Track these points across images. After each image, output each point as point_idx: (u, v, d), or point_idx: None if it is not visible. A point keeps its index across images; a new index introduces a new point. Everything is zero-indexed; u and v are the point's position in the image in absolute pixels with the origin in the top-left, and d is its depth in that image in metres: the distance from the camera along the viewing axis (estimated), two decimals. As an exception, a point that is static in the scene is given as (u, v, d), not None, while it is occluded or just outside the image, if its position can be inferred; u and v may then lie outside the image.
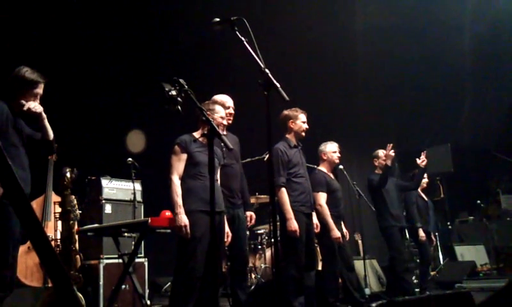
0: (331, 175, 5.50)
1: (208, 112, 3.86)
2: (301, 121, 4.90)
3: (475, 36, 8.50)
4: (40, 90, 3.55)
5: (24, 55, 5.56)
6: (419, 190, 7.00)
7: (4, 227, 3.29)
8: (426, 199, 7.21)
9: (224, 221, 3.97)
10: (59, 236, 4.81)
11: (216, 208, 3.76)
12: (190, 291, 3.63)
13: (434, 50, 8.62)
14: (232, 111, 4.45)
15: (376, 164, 6.41)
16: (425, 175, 7.03)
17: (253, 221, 4.60)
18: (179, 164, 3.83)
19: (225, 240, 3.97)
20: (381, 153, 6.39)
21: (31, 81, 3.50)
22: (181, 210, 3.66)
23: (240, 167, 4.52)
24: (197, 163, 3.82)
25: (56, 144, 5.57)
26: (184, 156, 3.84)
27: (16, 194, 1.12)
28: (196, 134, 3.95)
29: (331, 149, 5.49)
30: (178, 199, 3.70)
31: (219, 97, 4.45)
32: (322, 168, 5.48)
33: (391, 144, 6.08)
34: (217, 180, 3.88)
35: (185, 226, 3.62)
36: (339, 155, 5.52)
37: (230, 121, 4.44)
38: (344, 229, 5.47)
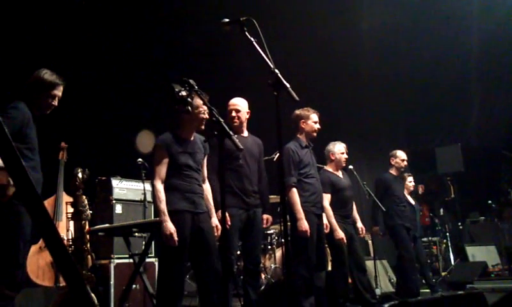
0: (339, 174, 5.46)
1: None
2: (312, 121, 4.89)
3: (484, 34, 8.43)
4: (58, 92, 3.59)
5: (36, 57, 5.61)
6: (407, 194, 6.91)
7: (15, 227, 3.32)
8: (413, 203, 7.12)
9: (207, 222, 3.82)
10: (70, 236, 4.85)
11: (199, 209, 3.71)
12: (176, 293, 3.58)
13: (443, 49, 8.57)
14: (234, 114, 4.37)
15: (392, 163, 6.39)
16: (412, 179, 7.02)
17: (268, 224, 4.57)
18: (161, 168, 3.67)
19: (215, 234, 3.87)
20: (398, 153, 6.38)
21: (49, 83, 3.53)
22: (166, 218, 3.53)
23: (260, 168, 4.49)
24: (179, 166, 3.69)
25: (66, 145, 5.66)
26: (166, 159, 3.68)
27: (30, 195, 1.13)
28: (179, 131, 3.79)
29: (339, 149, 5.45)
30: (162, 206, 3.56)
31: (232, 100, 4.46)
32: (329, 168, 5.45)
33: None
34: (198, 184, 3.79)
35: (172, 234, 3.50)
36: (346, 157, 5.49)
37: (236, 123, 4.38)
38: (360, 224, 5.45)
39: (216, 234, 3.87)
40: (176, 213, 3.60)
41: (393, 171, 6.37)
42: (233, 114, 4.39)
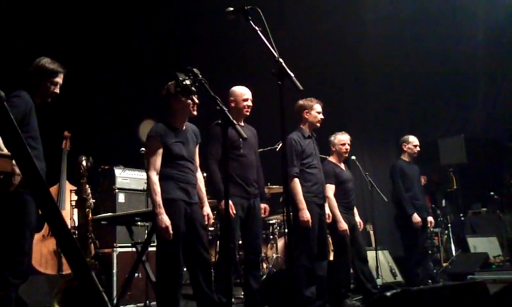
0: (341, 166, 5.46)
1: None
2: (316, 111, 4.88)
3: (490, 25, 8.38)
4: (60, 79, 3.60)
5: (37, 44, 5.60)
6: None
7: (21, 215, 3.33)
8: None
9: (199, 212, 3.82)
10: (73, 225, 4.88)
11: (192, 200, 3.71)
12: (175, 282, 3.59)
13: (448, 39, 8.52)
14: (250, 104, 4.39)
15: (405, 149, 6.17)
16: None
17: (266, 213, 4.59)
18: (156, 159, 3.63)
19: (206, 222, 3.88)
20: (411, 138, 6.19)
21: (51, 71, 3.54)
22: (162, 211, 3.51)
23: (257, 158, 4.50)
24: (174, 156, 3.67)
25: (70, 134, 5.67)
26: (160, 150, 3.65)
27: (37, 182, 1.14)
28: (171, 121, 3.76)
29: (340, 140, 5.43)
30: (158, 198, 3.53)
31: (237, 88, 4.43)
32: (332, 159, 5.45)
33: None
34: (192, 174, 3.78)
35: (168, 227, 3.49)
36: (348, 148, 5.44)
37: (248, 113, 4.40)
38: (358, 219, 5.45)
39: (206, 223, 3.88)
40: (171, 202, 3.61)
41: (405, 157, 6.16)
42: (249, 103, 4.39)
